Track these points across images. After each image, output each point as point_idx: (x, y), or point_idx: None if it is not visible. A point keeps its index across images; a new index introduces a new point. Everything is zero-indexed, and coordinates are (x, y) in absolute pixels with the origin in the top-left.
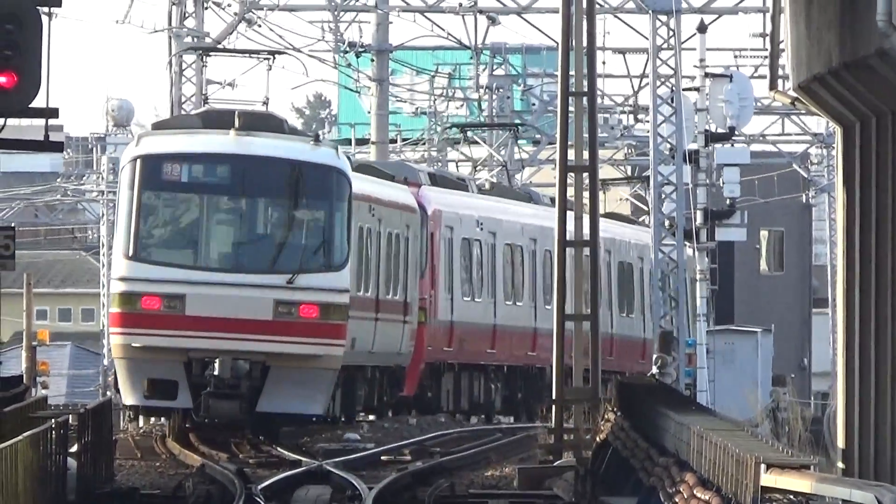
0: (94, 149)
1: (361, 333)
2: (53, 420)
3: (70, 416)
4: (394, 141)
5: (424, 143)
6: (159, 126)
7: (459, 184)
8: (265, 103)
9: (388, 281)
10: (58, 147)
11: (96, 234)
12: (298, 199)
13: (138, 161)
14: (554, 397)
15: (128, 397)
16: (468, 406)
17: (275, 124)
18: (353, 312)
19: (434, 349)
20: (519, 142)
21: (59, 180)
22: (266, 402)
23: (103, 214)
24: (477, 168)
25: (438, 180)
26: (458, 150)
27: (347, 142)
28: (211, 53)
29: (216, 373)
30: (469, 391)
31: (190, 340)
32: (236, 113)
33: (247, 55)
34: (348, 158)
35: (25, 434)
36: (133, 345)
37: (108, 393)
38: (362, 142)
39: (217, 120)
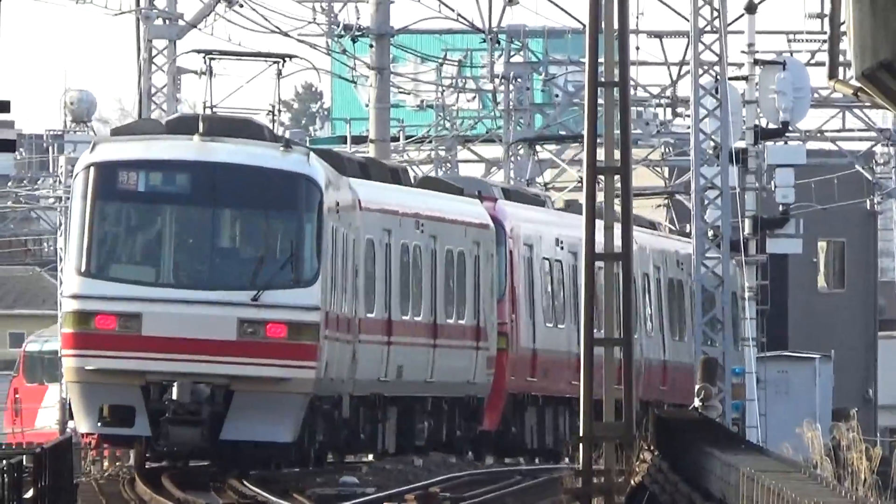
0: (51, 148)
1: (412, 361)
2: (4, 461)
3: (24, 456)
4: (395, 139)
5: (431, 141)
6: (119, 132)
7: (535, 199)
8: (272, 112)
9: (450, 303)
10: (8, 146)
11: (53, 247)
12: (265, 210)
13: (92, 169)
14: (581, 434)
15: (82, 424)
16: (553, 444)
17: (251, 131)
18: (398, 338)
19: (517, 379)
20: (539, 140)
21: (9, 185)
22: (231, 430)
23: (60, 224)
24: (491, 170)
25: (513, 195)
26: (469, 150)
27: (342, 139)
28: (217, 57)
29: (174, 397)
30: (553, 427)
31: (147, 363)
32: (200, 117)
33: (257, 59)
34: (345, 162)
35: None
36: (87, 367)
37: (67, 429)
38: (359, 139)
39: (186, 126)
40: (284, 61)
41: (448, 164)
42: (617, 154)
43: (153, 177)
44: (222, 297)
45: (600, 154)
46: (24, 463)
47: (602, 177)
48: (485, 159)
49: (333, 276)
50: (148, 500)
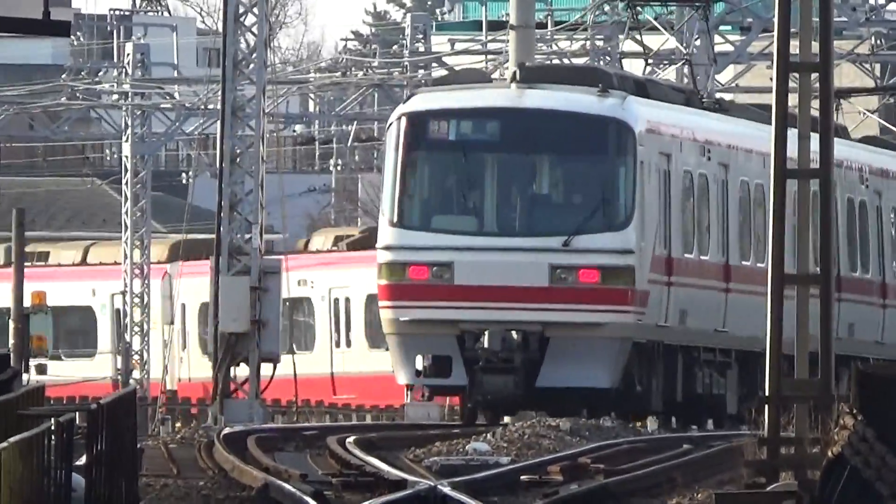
0: (115, 32)
1: (747, 308)
2: (53, 419)
3: (77, 413)
4: (542, 25)
5: (587, 29)
6: (441, 81)
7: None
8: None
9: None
10: (62, 29)
11: (116, 155)
12: (577, 155)
13: (403, 119)
14: (766, 393)
15: (400, 376)
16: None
17: (574, 76)
18: (732, 283)
19: None
20: (720, 28)
21: (64, 77)
22: (547, 377)
23: (127, 127)
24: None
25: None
26: (634, 40)
27: (475, 25)
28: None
29: (486, 346)
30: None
31: (460, 312)
32: (518, 65)
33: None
34: (615, 80)
35: (12, 439)
36: (401, 319)
37: (131, 381)
38: (497, 25)
39: (531, 75)
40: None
41: (608, 58)
42: (815, 47)
43: (464, 125)
44: (534, 244)
45: (794, 47)
46: (77, 422)
47: (796, 74)
48: (650, 50)
49: (650, 218)
50: (230, 470)
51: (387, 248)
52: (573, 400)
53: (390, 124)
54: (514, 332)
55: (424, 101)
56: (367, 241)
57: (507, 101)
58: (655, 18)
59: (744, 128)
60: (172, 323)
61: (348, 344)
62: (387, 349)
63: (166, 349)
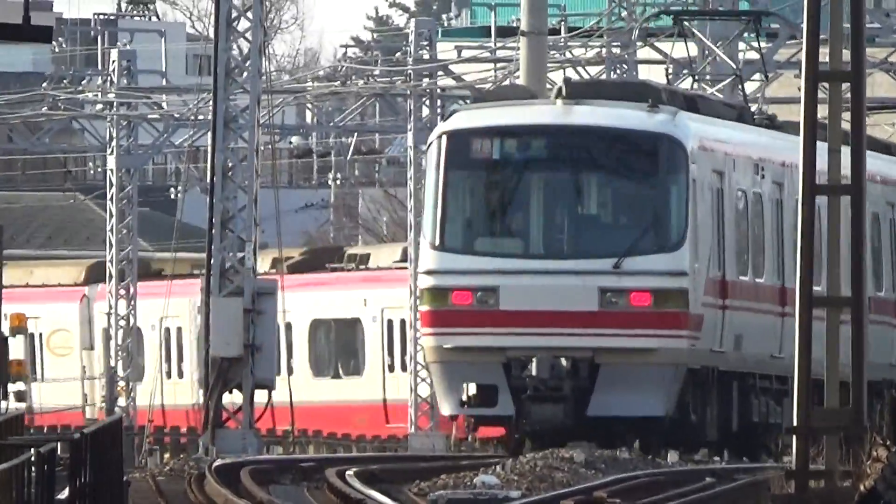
0: (100, 38)
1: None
2: (33, 450)
3: (59, 443)
4: (555, 31)
5: (602, 35)
6: (481, 98)
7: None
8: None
9: None
10: (44, 34)
11: (101, 169)
12: (627, 173)
13: (444, 137)
14: (795, 423)
15: (444, 406)
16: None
17: (620, 92)
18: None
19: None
20: (744, 35)
21: (44, 86)
22: (598, 405)
23: (112, 138)
24: (669, 73)
25: None
26: (652, 46)
27: (484, 31)
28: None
29: (534, 373)
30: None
31: (507, 338)
32: (564, 80)
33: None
34: (664, 95)
35: None
36: (445, 346)
37: (117, 408)
38: (507, 31)
39: (577, 91)
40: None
41: (624, 66)
42: (846, 55)
43: (508, 143)
44: (582, 266)
45: (823, 55)
46: (59, 452)
47: (826, 84)
48: (673, 59)
49: (703, 239)
50: (221, 503)
51: (428, 272)
52: (625, 429)
53: (430, 143)
54: (562, 359)
55: (466, 118)
56: (307, 263)
57: (553, 117)
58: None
59: (797, 145)
60: (92, 348)
61: (290, 371)
62: (332, 377)
63: (85, 376)
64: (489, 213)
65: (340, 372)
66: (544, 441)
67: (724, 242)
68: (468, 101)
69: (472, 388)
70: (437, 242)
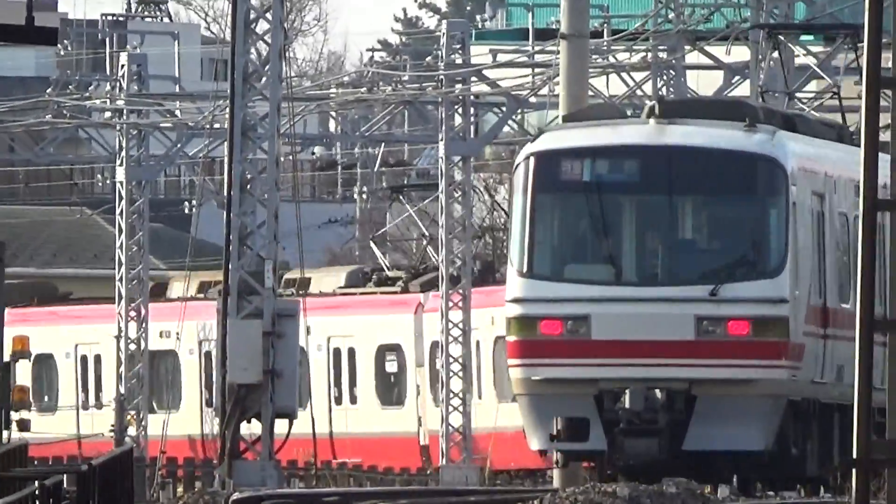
0: (108, 40)
1: None
2: (38, 482)
3: (66, 475)
4: (598, 34)
5: (647, 39)
6: (570, 118)
7: None
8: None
9: None
10: (48, 37)
11: (109, 181)
12: (724, 196)
13: (532, 159)
14: (854, 455)
15: (533, 441)
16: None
17: (716, 111)
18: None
19: None
20: (800, 38)
21: (48, 92)
22: (694, 439)
23: (121, 149)
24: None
25: None
26: (702, 51)
27: (520, 34)
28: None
29: (626, 406)
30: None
31: (599, 370)
32: (657, 99)
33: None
34: (760, 114)
35: None
36: (534, 378)
37: (127, 438)
38: (545, 34)
39: (670, 110)
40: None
41: (672, 71)
42: None
43: (599, 165)
44: (677, 294)
45: (886, 59)
46: (66, 485)
47: (889, 92)
48: (723, 64)
49: (804, 264)
50: None
51: (515, 300)
52: (723, 464)
53: (517, 165)
54: (657, 391)
55: (554, 139)
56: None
57: (646, 138)
58: (727, 26)
59: None
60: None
61: (209, 404)
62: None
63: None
64: (579, 238)
65: None
66: (637, 476)
67: (825, 268)
68: (503, 109)
69: (560, 422)
70: (525, 269)
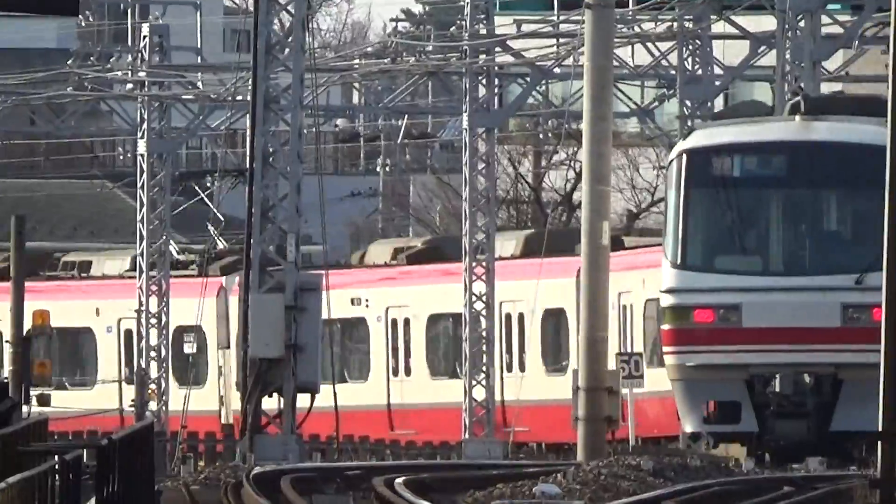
0: (130, 11)
1: None
2: (57, 457)
3: (85, 450)
4: (623, 3)
5: (673, 8)
6: (720, 115)
7: None
8: None
9: None
10: (69, 7)
11: (130, 154)
12: (866, 188)
13: (684, 156)
14: (881, 428)
15: (687, 423)
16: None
17: (857, 107)
18: None
19: None
20: (828, 6)
21: (69, 63)
22: (841, 420)
23: (143, 121)
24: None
25: None
26: (728, 20)
27: (545, 3)
28: None
29: (777, 389)
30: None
31: (750, 356)
32: (804, 95)
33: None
34: None
35: (10, 479)
36: (688, 364)
37: (148, 412)
38: (570, 3)
39: (814, 106)
40: None
41: (697, 41)
42: None
43: (749, 160)
44: (824, 283)
45: None
46: (85, 460)
47: None
48: (749, 34)
49: None
50: None
51: (670, 290)
52: (868, 445)
53: (670, 162)
54: (805, 375)
55: (705, 136)
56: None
57: (793, 134)
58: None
59: None
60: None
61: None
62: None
63: None
64: (730, 231)
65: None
66: (787, 457)
67: None
68: (528, 80)
69: (714, 405)
70: (679, 261)
